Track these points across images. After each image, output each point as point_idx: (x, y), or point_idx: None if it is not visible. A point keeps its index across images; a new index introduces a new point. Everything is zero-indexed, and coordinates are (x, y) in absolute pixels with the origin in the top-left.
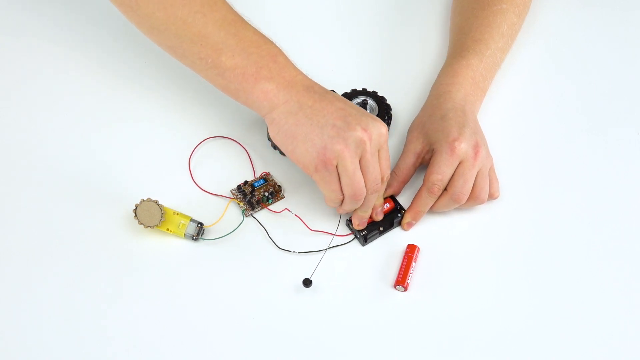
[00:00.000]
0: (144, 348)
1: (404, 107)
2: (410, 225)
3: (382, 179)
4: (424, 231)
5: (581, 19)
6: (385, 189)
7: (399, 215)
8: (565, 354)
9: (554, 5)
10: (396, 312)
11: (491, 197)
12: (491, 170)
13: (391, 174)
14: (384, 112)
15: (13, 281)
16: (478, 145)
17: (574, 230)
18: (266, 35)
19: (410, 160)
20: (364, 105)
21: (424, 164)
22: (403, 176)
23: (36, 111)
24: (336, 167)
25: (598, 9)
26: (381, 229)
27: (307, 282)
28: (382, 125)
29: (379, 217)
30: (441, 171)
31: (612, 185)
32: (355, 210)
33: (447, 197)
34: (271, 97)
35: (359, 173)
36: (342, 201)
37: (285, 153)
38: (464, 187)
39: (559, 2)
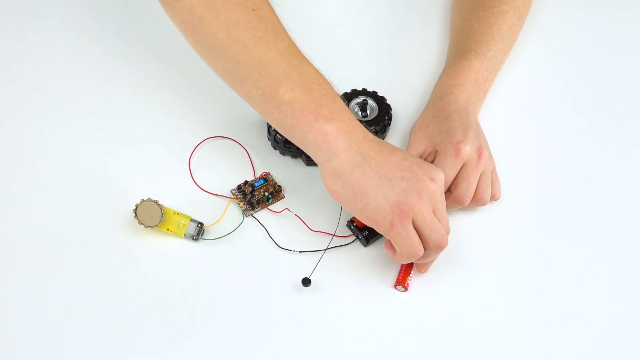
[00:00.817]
0: (143, 348)
1: (404, 107)
2: None
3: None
4: None
5: (581, 20)
6: None
7: None
8: (566, 353)
9: (554, 6)
10: (397, 313)
11: (493, 198)
12: (493, 171)
13: None
14: (384, 112)
15: (13, 281)
16: (481, 148)
17: (574, 231)
18: (325, 76)
19: None
20: (364, 105)
21: None
22: None
23: (36, 111)
24: (412, 221)
25: (598, 9)
26: None
27: (306, 282)
28: (441, 172)
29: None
30: (445, 173)
31: (612, 186)
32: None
33: (450, 200)
34: (330, 141)
35: (437, 222)
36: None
37: (352, 210)
38: (467, 189)
39: (558, 3)
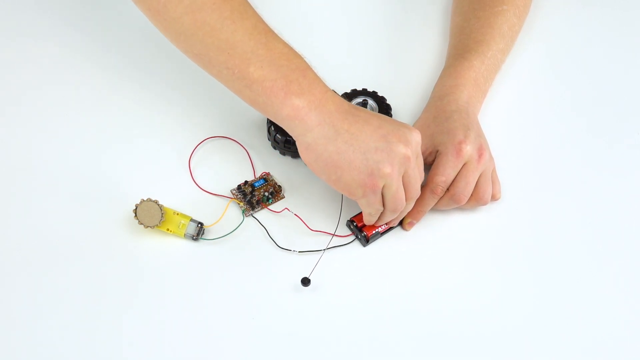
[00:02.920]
0: (143, 348)
1: (404, 107)
2: (411, 225)
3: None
4: (424, 232)
5: (581, 20)
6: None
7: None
8: (564, 353)
9: (554, 7)
10: (396, 313)
11: (493, 198)
12: (493, 172)
13: None
14: (384, 112)
15: (13, 281)
16: (482, 148)
17: (574, 231)
18: (295, 50)
19: None
20: (364, 105)
21: (426, 165)
22: None
23: (36, 111)
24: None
25: (598, 9)
26: (381, 229)
27: (305, 281)
28: (417, 134)
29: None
30: (446, 173)
31: (612, 186)
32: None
33: (447, 198)
34: (302, 116)
35: (401, 189)
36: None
37: (326, 182)
38: (465, 188)
39: (559, 3)
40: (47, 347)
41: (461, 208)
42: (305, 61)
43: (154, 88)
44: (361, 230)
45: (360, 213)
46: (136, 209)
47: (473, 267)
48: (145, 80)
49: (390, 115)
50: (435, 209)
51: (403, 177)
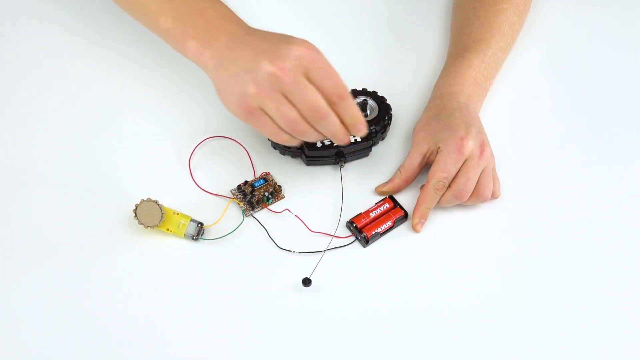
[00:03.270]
0: (143, 348)
1: (404, 107)
2: (421, 224)
3: (332, 97)
4: (424, 232)
5: (581, 20)
6: (388, 184)
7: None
8: (564, 352)
9: (554, 6)
10: (396, 313)
11: (493, 196)
12: (493, 169)
13: (397, 171)
14: (384, 112)
15: (13, 281)
16: (484, 144)
17: (573, 231)
18: None
19: (416, 160)
20: (364, 105)
21: (429, 164)
22: (407, 175)
23: (36, 111)
24: (262, 109)
25: (598, 9)
26: (380, 230)
27: (306, 282)
28: (298, 47)
29: (360, 132)
30: (447, 169)
31: (612, 186)
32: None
33: (449, 194)
34: (198, 56)
35: (286, 107)
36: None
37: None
38: (466, 184)
39: (559, 2)
40: (47, 347)
41: (461, 205)
42: (206, 1)
43: (154, 88)
44: (361, 231)
45: (360, 214)
46: (136, 209)
47: (473, 267)
48: (145, 80)
49: (391, 116)
50: (436, 206)
51: (286, 95)
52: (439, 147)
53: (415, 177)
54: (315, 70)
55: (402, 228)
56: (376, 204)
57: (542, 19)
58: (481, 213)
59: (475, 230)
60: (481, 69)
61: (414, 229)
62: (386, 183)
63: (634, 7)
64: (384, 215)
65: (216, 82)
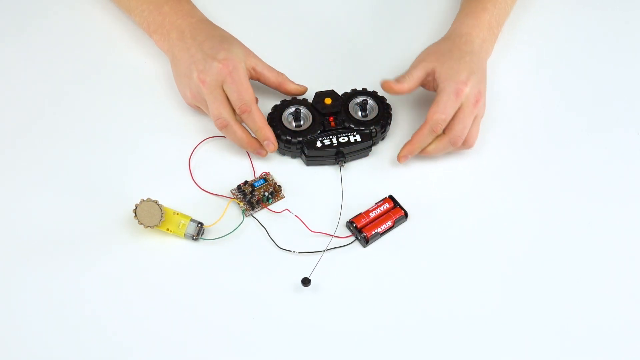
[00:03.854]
0: (143, 348)
1: (404, 107)
2: (405, 158)
3: (237, 109)
4: (424, 231)
5: (581, 19)
6: (398, 84)
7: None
8: (564, 352)
9: (554, 6)
10: (396, 313)
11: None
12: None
13: (405, 75)
14: (384, 112)
15: (13, 281)
16: (480, 94)
17: (573, 231)
18: None
19: (419, 73)
20: (364, 105)
21: (423, 86)
22: (411, 85)
23: (36, 111)
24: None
25: (598, 9)
26: (380, 230)
27: (305, 282)
28: (218, 65)
29: (269, 148)
30: (446, 112)
31: (612, 186)
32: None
33: (445, 140)
34: (161, 48)
35: (208, 110)
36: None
37: None
38: (462, 131)
39: (558, 3)
40: (47, 347)
41: (446, 154)
42: None
43: (154, 88)
44: (361, 231)
45: (360, 214)
46: (136, 209)
47: (473, 267)
48: (145, 80)
49: (390, 115)
50: (431, 153)
51: (206, 102)
52: (438, 85)
53: (413, 89)
54: (227, 85)
55: (402, 228)
56: (376, 203)
57: (542, 18)
58: (482, 214)
59: (476, 230)
60: (494, 14)
61: (398, 160)
62: (397, 82)
63: (633, 7)
64: (384, 215)
65: (173, 72)
